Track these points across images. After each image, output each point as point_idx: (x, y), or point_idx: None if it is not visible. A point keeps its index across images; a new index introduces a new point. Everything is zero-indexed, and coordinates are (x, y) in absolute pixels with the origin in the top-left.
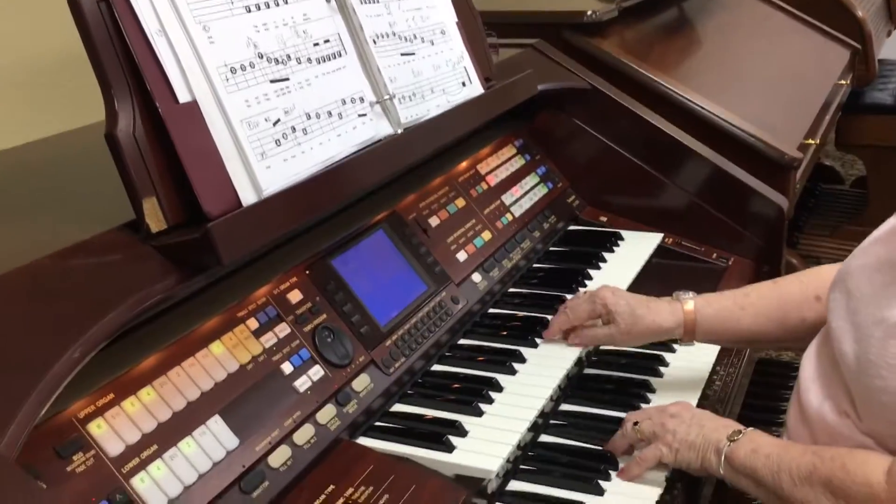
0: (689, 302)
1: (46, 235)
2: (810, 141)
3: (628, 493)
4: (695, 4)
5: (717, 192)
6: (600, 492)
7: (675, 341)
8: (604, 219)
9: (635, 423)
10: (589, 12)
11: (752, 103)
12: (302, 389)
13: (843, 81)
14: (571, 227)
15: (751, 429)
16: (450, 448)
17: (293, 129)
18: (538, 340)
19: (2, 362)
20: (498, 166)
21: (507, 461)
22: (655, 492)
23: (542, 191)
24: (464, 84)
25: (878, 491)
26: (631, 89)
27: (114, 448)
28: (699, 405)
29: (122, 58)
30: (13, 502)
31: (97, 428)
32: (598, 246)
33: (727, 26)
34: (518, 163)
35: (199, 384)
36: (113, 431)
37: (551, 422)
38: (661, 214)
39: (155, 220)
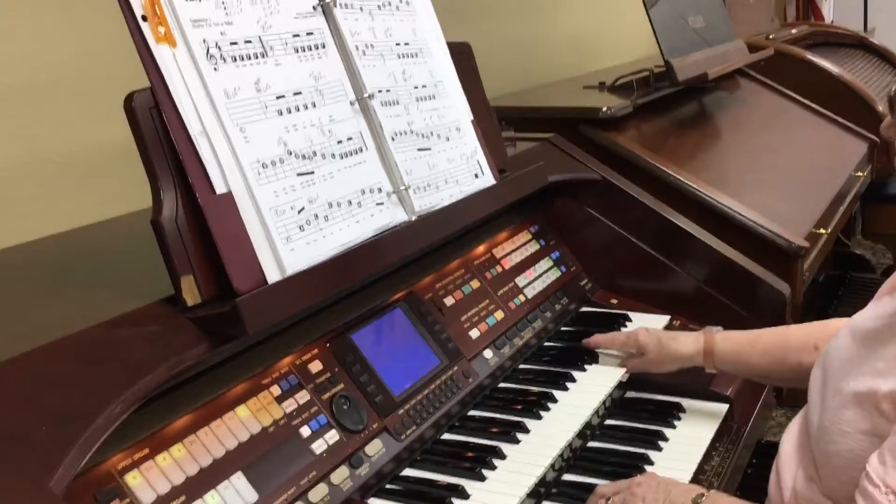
0: (713, 335)
1: (97, 307)
2: (821, 230)
3: None
4: (713, 99)
5: (722, 279)
6: None
7: (678, 417)
8: (614, 301)
9: (607, 500)
10: (604, 108)
11: (763, 193)
12: (318, 452)
13: (859, 173)
14: (583, 309)
15: (713, 491)
16: None
17: (316, 216)
18: (542, 413)
19: (54, 413)
20: (513, 251)
21: None
22: None
23: (555, 274)
24: (476, 176)
25: None
26: (643, 180)
27: (147, 497)
28: (694, 480)
29: (167, 154)
30: None
31: (133, 479)
32: (608, 326)
33: (744, 119)
34: (533, 247)
35: (224, 443)
36: (147, 482)
37: (552, 490)
38: (670, 298)
39: (191, 295)
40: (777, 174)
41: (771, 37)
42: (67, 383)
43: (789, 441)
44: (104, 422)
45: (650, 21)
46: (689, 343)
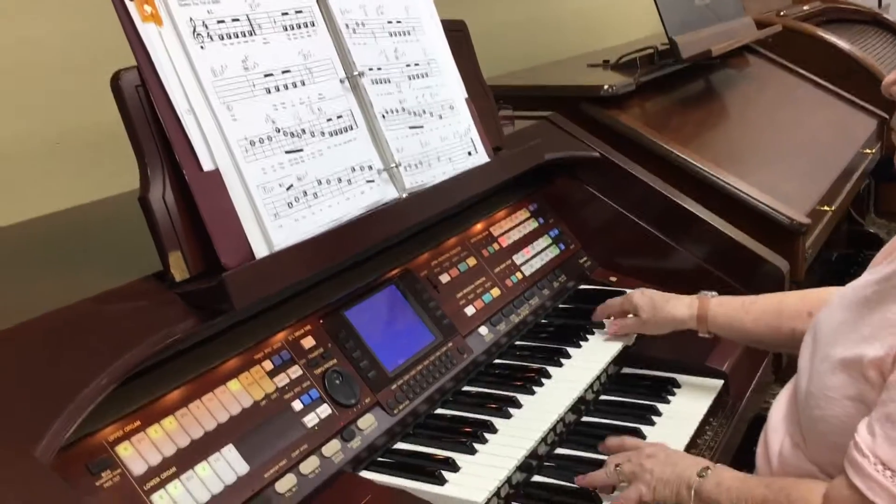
0: (707, 300)
1: (87, 283)
2: (825, 207)
3: None
4: (721, 77)
5: (721, 256)
6: None
7: (673, 392)
8: (613, 279)
9: (617, 465)
10: (606, 86)
11: (767, 171)
12: (310, 425)
13: (868, 150)
14: (581, 287)
15: (718, 465)
16: (441, 481)
17: (305, 193)
18: (536, 389)
19: (41, 384)
20: (511, 228)
21: (499, 497)
22: None
23: (553, 252)
24: (470, 153)
25: None
26: (645, 158)
27: (138, 468)
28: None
29: (155, 132)
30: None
31: (124, 450)
32: None
33: (751, 97)
34: (531, 225)
35: (216, 416)
36: (138, 454)
37: (545, 464)
38: (669, 275)
39: (179, 270)
40: (782, 152)
41: (782, 13)
42: (55, 355)
43: (778, 409)
44: (91, 393)
45: None
46: (682, 306)
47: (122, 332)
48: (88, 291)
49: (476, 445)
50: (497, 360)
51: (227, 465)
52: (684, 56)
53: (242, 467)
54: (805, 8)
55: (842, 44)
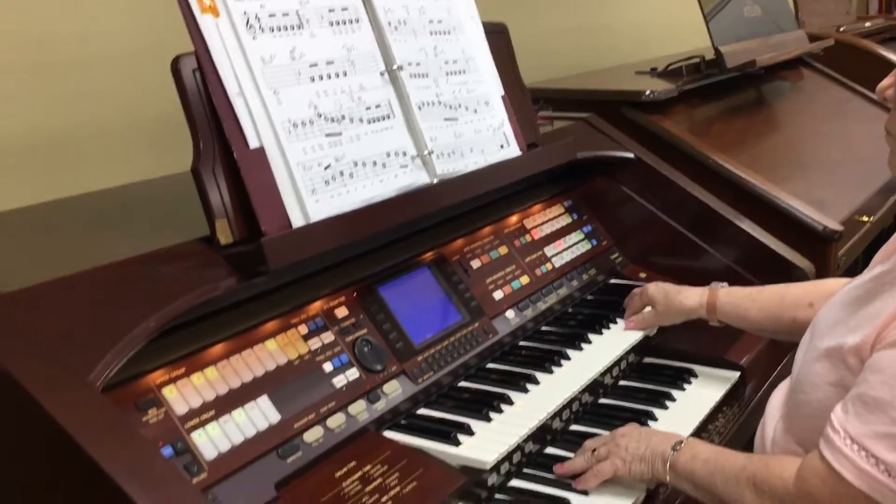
0: (717, 290)
1: (144, 243)
2: (864, 218)
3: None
4: (770, 88)
5: (752, 260)
6: (586, 493)
7: (689, 381)
8: (643, 275)
9: (593, 451)
10: (647, 92)
11: (804, 179)
12: (338, 386)
13: None
14: (611, 281)
15: (691, 438)
16: (456, 443)
17: (341, 173)
18: (555, 369)
19: (99, 321)
20: (544, 222)
21: (511, 463)
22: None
23: (585, 246)
24: (502, 146)
25: (789, 485)
26: (682, 163)
27: (180, 408)
28: (695, 436)
29: (208, 112)
30: (99, 424)
31: (169, 392)
32: None
33: (799, 109)
34: (565, 220)
35: (253, 370)
36: (181, 396)
37: (559, 438)
38: (698, 275)
39: (224, 235)
40: (823, 161)
41: (842, 29)
42: (111, 300)
43: (777, 397)
44: (140, 332)
45: (700, 7)
46: (694, 296)
47: (171, 284)
48: (144, 250)
49: (492, 414)
50: (521, 343)
51: (261, 413)
52: (729, 65)
53: (275, 416)
54: (867, 25)
55: None
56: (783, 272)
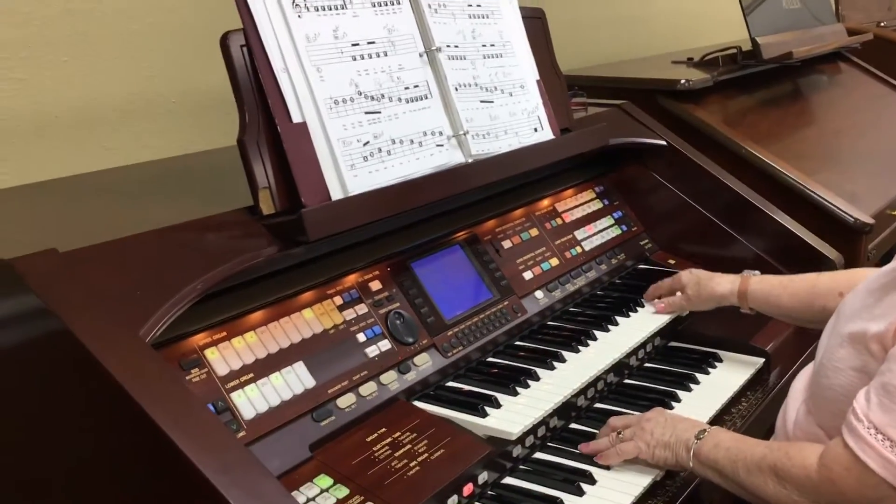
0: (749, 277)
1: (192, 211)
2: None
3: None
4: (807, 81)
5: (781, 250)
6: (608, 468)
7: (714, 365)
8: (672, 262)
9: (618, 434)
10: (682, 81)
11: (837, 171)
12: (371, 356)
13: None
14: (640, 266)
15: (715, 427)
16: (483, 415)
17: (379, 149)
18: (581, 348)
19: (149, 281)
20: (576, 206)
21: (536, 437)
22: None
23: (615, 231)
24: (536, 129)
25: (812, 473)
26: (714, 151)
27: (222, 370)
28: (717, 419)
29: (254, 86)
30: (148, 375)
31: (211, 354)
32: None
33: (835, 102)
34: (596, 205)
35: (290, 337)
36: (223, 358)
37: (585, 415)
38: (728, 263)
39: (266, 205)
40: (857, 154)
41: (882, 24)
42: (160, 262)
43: (801, 380)
44: (187, 293)
45: None
46: (725, 283)
47: (216, 249)
48: (192, 217)
49: (518, 389)
50: (549, 322)
51: (297, 377)
52: (765, 56)
53: (310, 381)
54: None
55: None
56: (813, 263)
